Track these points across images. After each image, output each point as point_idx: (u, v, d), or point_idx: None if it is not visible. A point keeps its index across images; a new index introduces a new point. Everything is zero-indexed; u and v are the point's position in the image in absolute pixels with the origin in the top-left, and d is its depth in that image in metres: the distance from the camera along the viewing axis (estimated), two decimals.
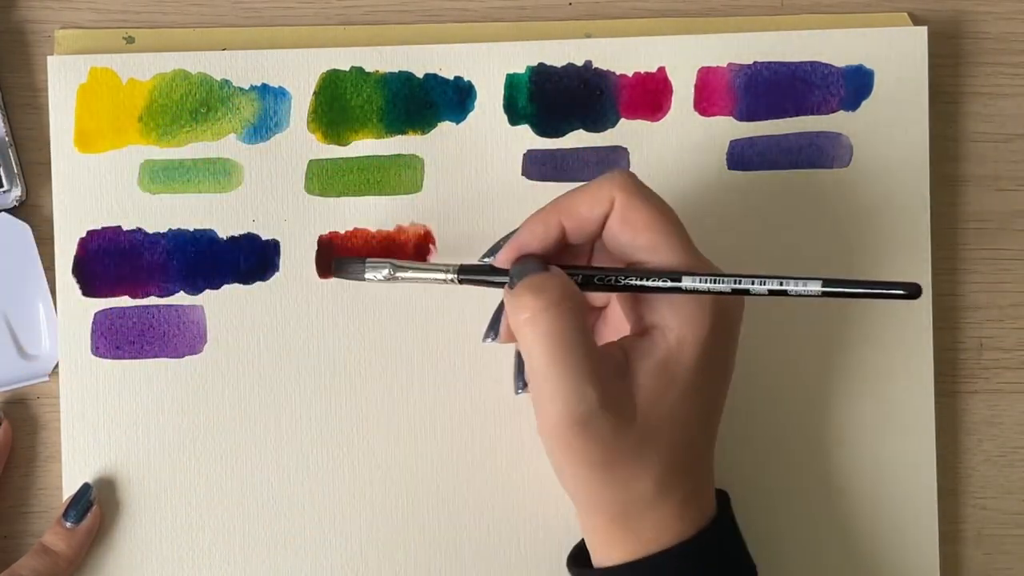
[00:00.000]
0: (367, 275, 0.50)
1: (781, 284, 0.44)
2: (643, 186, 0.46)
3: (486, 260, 0.49)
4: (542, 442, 0.46)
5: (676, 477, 0.46)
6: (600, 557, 0.48)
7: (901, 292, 0.42)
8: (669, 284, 0.45)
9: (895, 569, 0.55)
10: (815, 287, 0.43)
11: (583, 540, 0.51)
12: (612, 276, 0.46)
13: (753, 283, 0.44)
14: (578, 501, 0.47)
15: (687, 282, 0.45)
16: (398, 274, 0.49)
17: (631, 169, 0.55)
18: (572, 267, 0.47)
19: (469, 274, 0.48)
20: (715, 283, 0.44)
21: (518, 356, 0.50)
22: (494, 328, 0.49)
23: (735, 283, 0.44)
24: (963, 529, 0.57)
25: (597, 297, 0.50)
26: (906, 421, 0.55)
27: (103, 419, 0.53)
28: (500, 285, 0.47)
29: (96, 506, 0.53)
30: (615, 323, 0.49)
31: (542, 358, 0.44)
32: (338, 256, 0.54)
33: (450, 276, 0.48)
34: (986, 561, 0.57)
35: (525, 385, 0.48)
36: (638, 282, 0.45)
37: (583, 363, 0.44)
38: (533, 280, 0.45)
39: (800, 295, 0.44)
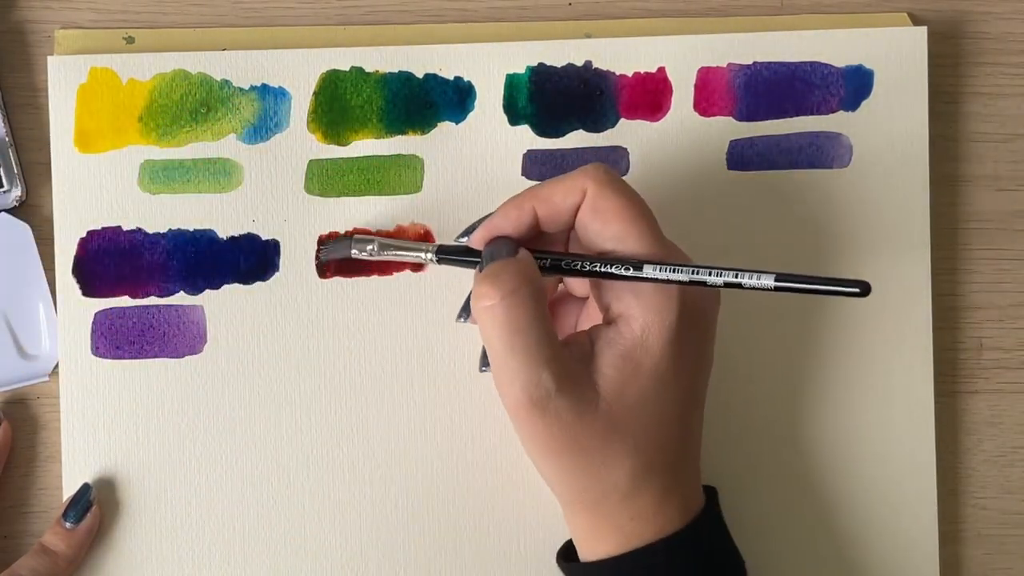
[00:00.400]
0: (353, 250, 0.51)
1: (736, 276, 0.45)
2: (615, 177, 0.47)
3: (462, 240, 0.50)
4: (523, 446, 0.47)
5: (652, 470, 0.46)
6: (586, 552, 0.48)
7: (853, 290, 0.43)
8: (631, 272, 0.46)
9: (895, 569, 0.55)
10: (768, 281, 0.44)
11: (563, 547, 0.52)
12: (578, 262, 0.47)
13: (710, 274, 0.45)
14: (555, 490, 0.48)
15: (648, 270, 0.45)
16: (382, 251, 0.51)
17: (631, 169, 0.55)
18: (541, 251, 0.48)
19: (446, 254, 0.50)
20: (674, 272, 0.45)
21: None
22: (467, 310, 0.50)
23: (693, 273, 0.45)
24: (963, 529, 0.57)
25: (579, 289, 0.51)
26: (906, 421, 0.55)
27: (103, 419, 0.53)
28: (474, 265, 0.48)
29: (96, 506, 0.53)
30: (595, 315, 0.49)
31: (499, 344, 0.45)
32: (320, 236, 0.54)
33: (429, 255, 0.50)
34: (986, 561, 0.57)
35: (488, 365, 0.49)
36: (602, 268, 0.46)
37: (539, 349, 0.45)
38: (493, 268, 0.46)
39: (754, 288, 0.45)
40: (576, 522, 0.48)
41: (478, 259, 0.48)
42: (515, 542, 0.54)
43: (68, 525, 0.52)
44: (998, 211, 0.57)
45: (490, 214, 0.48)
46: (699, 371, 0.48)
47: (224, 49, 0.54)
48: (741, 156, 0.55)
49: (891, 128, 0.56)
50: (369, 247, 0.51)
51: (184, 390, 0.54)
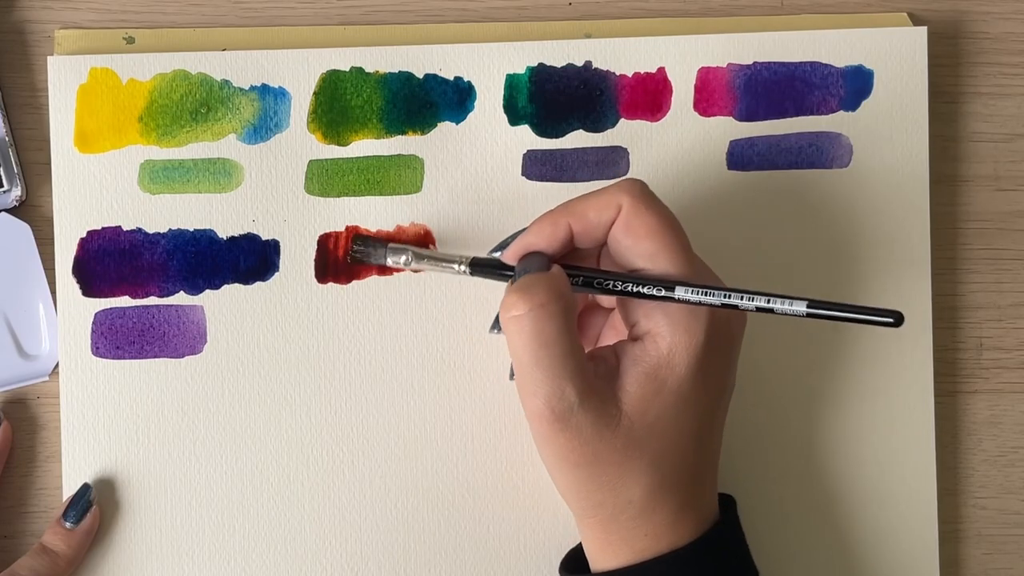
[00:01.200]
0: (388, 259, 0.52)
1: (768, 302, 0.45)
2: (651, 194, 0.47)
3: (495, 254, 0.50)
4: (540, 455, 0.47)
5: (667, 488, 0.46)
6: (597, 563, 0.48)
7: (886, 320, 0.43)
8: (663, 293, 0.46)
9: (895, 569, 0.55)
10: (800, 307, 0.45)
11: (576, 547, 0.52)
12: (611, 280, 0.47)
13: (742, 299, 0.45)
14: (569, 502, 0.48)
15: (680, 292, 0.45)
16: (415, 262, 0.51)
17: (631, 170, 0.55)
18: (574, 268, 0.48)
19: (479, 267, 0.50)
20: (706, 295, 0.45)
21: None
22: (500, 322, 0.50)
23: (725, 297, 0.45)
24: (963, 529, 0.57)
25: (605, 300, 0.51)
26: (906, 421, 0.55)
27: (103, 419, 0.53)
28: (507, 279, 0.48)
29: (95, 506, 0.53)
30: (620, 327, 0.49)
31: (524, 355, 0.45)
32: (359, 234, 0.54)
33: (462, 268, 0.50)
34: (986, 561, 0.57)
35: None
36: (635, 288, 0.46)
37: (565, 362, 0.45)
38: (523, 281, 0.46)
39: (785, 314, 0.45)
40: (588, 535, 0.48)
41: (511, 273, 0.48)
42: (515, 541, 0.54)
43: (68, 525, 0.52)
44: (998, 211, 0.57)
45: (524, 229, 0.49)
46: (721, 392, 0.48)
47: (224, 49, 0.54)
48: (741, 156, 0.55)
49: (891, 128, 0.56)
50: (404, 257, 0.51)
51: (184, 390, 0.54)
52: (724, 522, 0.49)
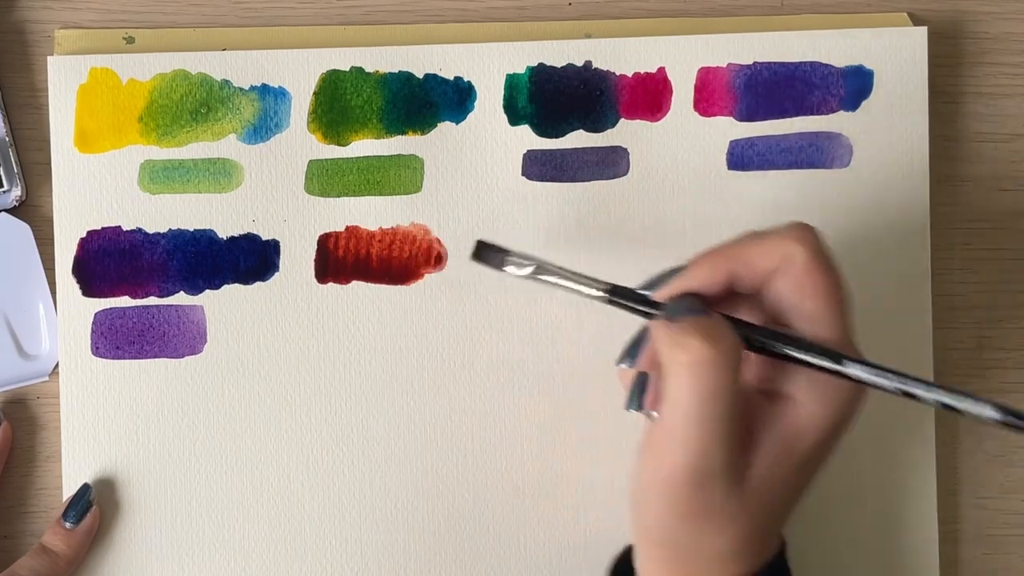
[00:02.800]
0: (507, 268, 0.47)
1: (954, 400, 0.41)
2: (827, 250, 0.43)
3: (644, 291, 0.46)
4: (638, 486, 0.44)
5: (753, 542, 0.44)
6: None
7: None
8: (830, 365, 0.42)
9: (895, 569, 0.55)
10: (992, 413, 0.41)
11: (618, 559, 0.49)
12: (771, 341, 0.43)
13: (921, 389, 0.42)
14: (641, 531, 0.45)
15: (851, 369, 0.42)
16: (540, 276, 0.46)
17: (631, 169, 0.55)
18: (735, 320, 0.43)
19: (620, 297, 0.45)
20: (880, 377, 0.42)
21: (642, 377, 0.45)
22: (632, 355, 0.46)
23: (902, 383, 0.42)
24: (963, 529, 0.57)
25: None
26: (906, 421, 0.55)
27: (103, 419, 0.53)
28: (646, 315, 0.45)
29: (95, 506, 0.53)
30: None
31: (689, 408, 0.41)
32: (482, 240, 0.48)
33: (598, 294, 0.45)
34: (986, 561, 0.57)
35: (640, 406, 0.45)
36: (798, 354, 0.42)
37: (725, 426, 0.41)
38: (704, 323, 0.42)
39: (972, 417, 0.41)
40: (651, 557, 0.45)
41: (654, 311, 0.44)
42: (515, 542, 0.54)
43: (68, 525, 0.52)
44: (998, 211, 0.57)
45: (677, 268, 0.45)
46: (829, 459, 0.45)
47: (224, 49, 0.54)
48: (741, 156, 0.55)
49: (891, 128, 0.56)
50: (526, 269, 0.46)
51: (184, 390, 0.54)
52: (777, 560, 0.46)
